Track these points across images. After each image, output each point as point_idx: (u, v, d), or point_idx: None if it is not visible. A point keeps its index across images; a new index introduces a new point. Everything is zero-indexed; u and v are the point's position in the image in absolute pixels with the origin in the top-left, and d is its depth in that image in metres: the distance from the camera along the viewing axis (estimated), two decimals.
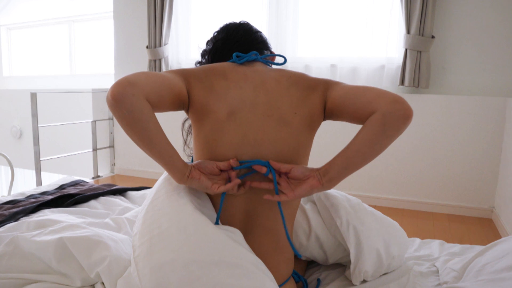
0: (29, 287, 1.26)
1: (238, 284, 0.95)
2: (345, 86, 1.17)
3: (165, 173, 1.27)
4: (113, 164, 4.80)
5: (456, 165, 3.34)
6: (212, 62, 1.35)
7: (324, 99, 1.19)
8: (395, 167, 3.51)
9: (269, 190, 1.14)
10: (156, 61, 4.28)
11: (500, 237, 2.82)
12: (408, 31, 3.29)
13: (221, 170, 1.13)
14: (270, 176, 1.12)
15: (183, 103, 1.15)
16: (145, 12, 4.29)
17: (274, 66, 1.34)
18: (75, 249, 1.27)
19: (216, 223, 1.14)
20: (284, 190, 1.11)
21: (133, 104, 0.95)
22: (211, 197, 1.21)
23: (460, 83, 3.34)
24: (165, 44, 4.23)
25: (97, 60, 5.63)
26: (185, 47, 4.33)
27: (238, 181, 1.12)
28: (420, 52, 3.27)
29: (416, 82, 3.31)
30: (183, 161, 1.09)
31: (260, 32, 1.39)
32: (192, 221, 1.05)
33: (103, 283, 1.26)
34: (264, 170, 1.12)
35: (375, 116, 1.03)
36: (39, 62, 6.18)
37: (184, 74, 1.17)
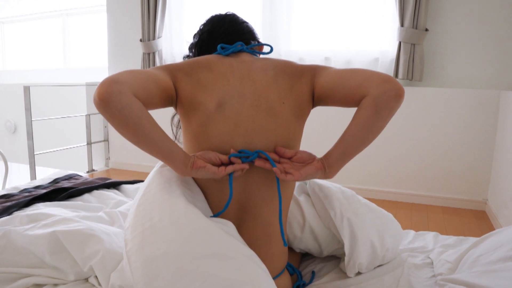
0: (22, 282, 1.26)
1: (231, 276, 0.95)
2: (332, 71, 1.17)
3: (156, 166, 1.26)
4: (107, 158, 4.78)
5: (450, 157, 3.35)
6: (199, 55, 1.34)
7: (312, 86, 1.18)
8: (389, 160, 3.51)
9: (270, 172, 1.14)
10: (150, 54, 4.25)
11: (493, 229, 2.83)
12: (402, 24, 3.28)
13: (222, 163, 1.12)
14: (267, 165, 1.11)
15: (171, 98, 1.14)
16: (138, 5, 4.25)
17: (262, 56, 1.33)
18: (68, 243, 1.27)
19: (225, 208, 1.14)
20: (289, 170, 1.10)
21: (121, 101, 0.93)
22: (204, 189, 1.20)
23: (453, 76, 3.34)
24: (158, 37, 4.20)
25: (91, 54, 5.59)
26: (179, 40, 4.29)
27: (246, 166, 1.11)
28: (414, 45, 3.27)
29: (410, 75, 3.31)
30: (184, 152, 1.08)
31: (246, 23, 1.37)
32: (184, 214, 1.04)
33: (96, 276, 1.26)
34: (267, 165, 1.11)
35: (367, 99, 1.03)
36: (32, 56, 6.13)
37: (169, 69, 1.15)
